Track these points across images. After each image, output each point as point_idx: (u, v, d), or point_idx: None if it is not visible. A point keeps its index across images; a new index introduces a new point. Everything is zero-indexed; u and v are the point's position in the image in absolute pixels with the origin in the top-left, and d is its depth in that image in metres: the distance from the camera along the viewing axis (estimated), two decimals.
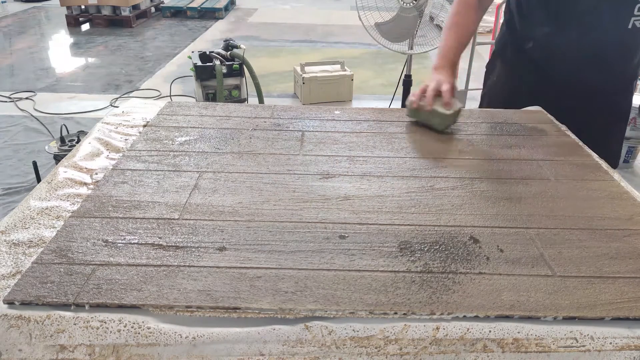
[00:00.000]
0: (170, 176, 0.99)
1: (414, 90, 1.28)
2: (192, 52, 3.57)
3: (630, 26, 1.24)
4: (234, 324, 0.66)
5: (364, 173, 1.03)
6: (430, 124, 1.24)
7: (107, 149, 1.12)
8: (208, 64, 3.34)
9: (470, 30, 1.34)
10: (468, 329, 0.66)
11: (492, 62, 1.57)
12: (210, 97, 3.39)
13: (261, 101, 3.40)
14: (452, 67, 1.26)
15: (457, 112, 1.21)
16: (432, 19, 3.04)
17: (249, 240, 0.81)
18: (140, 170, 1.02)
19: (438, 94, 1.21)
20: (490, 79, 1.57)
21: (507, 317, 0.68)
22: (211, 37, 6.02)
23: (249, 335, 0.65)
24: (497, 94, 1.54)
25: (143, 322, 0.66)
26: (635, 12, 1.23)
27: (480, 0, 1.34)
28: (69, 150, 1.55)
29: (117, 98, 3.97)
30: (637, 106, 2.86)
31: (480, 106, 1.60)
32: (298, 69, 4.06)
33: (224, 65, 3.35)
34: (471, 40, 1.98)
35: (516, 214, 0.90)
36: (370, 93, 4.30)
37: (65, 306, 0.67)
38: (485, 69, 1.61)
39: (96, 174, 1.01)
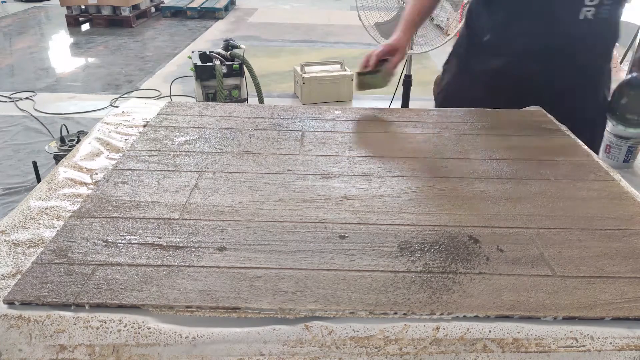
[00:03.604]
0: (170, 176, 0.99)
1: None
2: (192, 52, 3.57)
3: (582, 17, 1.19)
4: (234, 324, 0.66)
5: (364, 173, 1.03)
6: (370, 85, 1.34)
7: (107, 149, 1.12)
8: (208, 64, 3.34)
9: (429, 3, 1.42)
10: (468, 329, 0.66)
11: (449, 61, 1.55)
12: (210, 97, 3.39)
13: (261, 101, 3.40)
14: (406, 30, 1.33)
15: (382, 72, 1.31)
16: (432, 19, 3.03)
17: (249, 240, 0.80)
18: (140, 170, 1.02)
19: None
20: (445, 79, 1.56)
21: (507, 317, 0.67)
22: (211, 37, 6.02)
23: (249, 335, 0.65)
24: (452, 93, 1.53)
25: (143, 322, 0.66)
26: (587, 3, 1.18)
27: None
28: (69, 150, 1.55)
29: (117, 98, 3.97)
30: None
31: (436, 106, 1.60)
32: (298, 69, 4.06)
33: (224, 65, 3.35)
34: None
35: (516, 214, 0.90)
36: (370, 93, 4.29)
37: (65, 306, 0.67)
38: (442, 69, 1.60)
39: (96, 174, 1.01)
